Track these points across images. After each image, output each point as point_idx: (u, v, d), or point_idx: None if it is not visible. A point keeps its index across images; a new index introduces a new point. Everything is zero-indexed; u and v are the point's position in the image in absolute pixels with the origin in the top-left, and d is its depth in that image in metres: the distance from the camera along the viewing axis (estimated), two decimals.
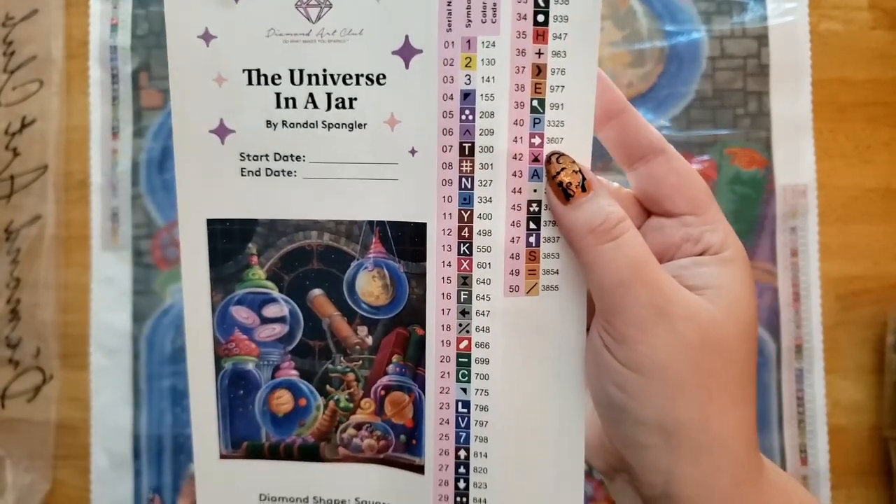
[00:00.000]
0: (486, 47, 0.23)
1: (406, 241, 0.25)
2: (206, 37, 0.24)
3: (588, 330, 0.25)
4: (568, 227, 0.23)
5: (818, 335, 0.45)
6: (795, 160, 0.46)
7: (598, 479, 0.45)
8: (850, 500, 0.45)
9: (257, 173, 0.25)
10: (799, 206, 0.46)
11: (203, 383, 0.26)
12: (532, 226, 0.24)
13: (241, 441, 0.27)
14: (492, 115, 0.24)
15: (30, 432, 0.46)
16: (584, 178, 0.23)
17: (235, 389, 0.26)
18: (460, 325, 0.25)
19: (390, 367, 0.26)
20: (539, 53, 0.23)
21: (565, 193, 0.23)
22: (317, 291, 0.26)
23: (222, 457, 0.27)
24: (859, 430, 0.45)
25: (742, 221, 0.46)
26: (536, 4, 0.23)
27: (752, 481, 0.23)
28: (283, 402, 0.27)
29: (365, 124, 0.24)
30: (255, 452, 0.27)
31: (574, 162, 0.23)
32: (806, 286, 0.45)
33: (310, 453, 0.27)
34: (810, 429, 0.45)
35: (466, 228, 0.24)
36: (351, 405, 0.26)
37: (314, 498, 0.27)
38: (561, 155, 0.23)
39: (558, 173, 0.23)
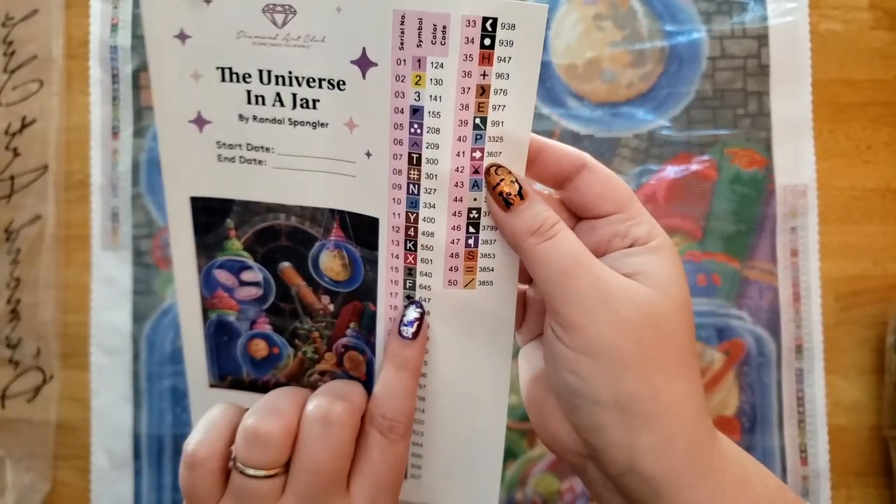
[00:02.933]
0: (435, 67, 0.25)
1: (362, 230, 0.28)
2: (182, 36, 0.26)
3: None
4: (510, 231, 0.26)
5: (818, 335, 0.45)
6: (795, 160, 0.46)
7: None
8: (850, 499, 0.45)
9: (232, 160, 0.28)
10: (799, 206, 0.46)
11: (193, 328, 0.30)
12: (471, 230, 0.27)
13: (226, 375, 0.31)
14: (437, 131, 0.26)
15: (30, 432, 0.46)
16: (520, 188, 0.26)
17: (220, 335, 0.30)
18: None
19: (348, 331, 0.30)
20: (484, 75, 0.25)
21: (505, 202, 0.25)
22: (286, 264, 0.29)
23: (211, 386, 0.31)
24: (859, 430, 0.46)
25: (742, 221, 0.46)
26: (484, 29, 0.24)
27: (707, 445, 0.24)
28: (260, 348, 0.31)
29: (327, 124, 0.27)
30: (238, 385, 0.31)
31: (511, 173, 0.26)
32: (806, 286, 0.45)
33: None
34: (810, 428, 0.45)
35: (412, 228, 0.27)
36: (316, 356, 0.30)
37: None
38: (499, 167, 0.26)
39: (498, 184, 0.26)
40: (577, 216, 0.28)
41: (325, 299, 0.29)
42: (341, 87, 0.26)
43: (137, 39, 0.47)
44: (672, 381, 0.24)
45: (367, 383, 0.29)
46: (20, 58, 0.47)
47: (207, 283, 0.30)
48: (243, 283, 0.30)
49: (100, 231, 0.46)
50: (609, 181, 0.27)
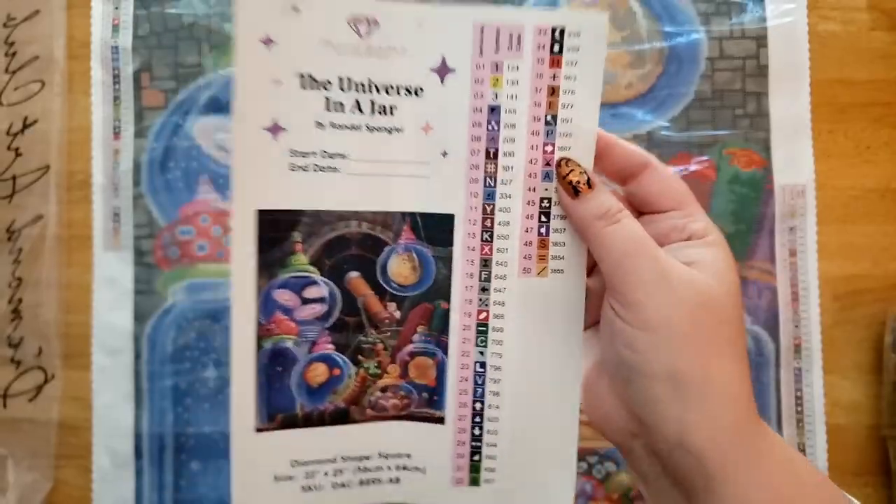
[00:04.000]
0: (511, 70, 0.28)
1: (434, 228, 0.29)
2: (267, 42, 0.27)
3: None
4: (579, 216, 0.28)
5: (817, 335, 0.45)
6: (794, 160, 0.46)
7: (597, 477, 0.46)
8: None
9: (305, 168, 0.28)
10: (798, 207, 0.46)
11: (243, 363, 0.29)
12: (543, 218, 0.29)
13: (276, 413, 0.29)
14: (513, 126, 0.28)
15: (32, 431, 0.46)
16: (588, 178, 0.28)
17: (273, 366, 0.29)
18: (480, 300, 0.30)
19: (415, 337, 0.30)
20: (554, 77, 0.28)
21: (574, 190, 0.28)
22: (354, 274, 0.29)
23: (258, 430, 0.29)
24: (858, 429, 0.46)
25: (741, 221, 0.46)
26: (553, 36, 0.28)
27: (754, 427, 0.26)
28: (318, 373, 0.30)
29: (403, 129, 0.28)
30: (289, 422, 0.29)
31: (579, 165, 0.28)
32: (805, 286, 0.45)
33: (340, 417, 0.30)
34: (809, 428, 0.45)
35: (489, 219, 0.29)
36: (379, 371, 0.30)
37: (341, 457, 0.30)
38: (569, 160, 0.28)
39: (568, 174, 0.28)
40: (638, 211, 0.30)
41: (392, 306, 0.30)
42: (419, 93, 0.28)
43: (139, 40, 0.47)
44: (724, 362, 0.26)
45: (438, 388, 0.30)
46: (22, 58, 0.47)
47: (265, 308, 0.29)
48: (306, 301, 0.29)
49: (101, 231, 0.46)
50: (670, 179, 0.29)
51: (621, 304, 0.26)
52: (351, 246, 0.29)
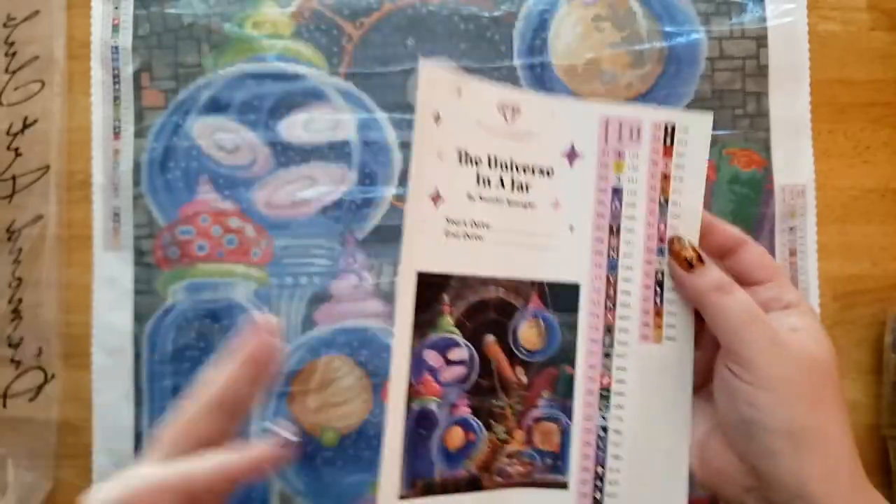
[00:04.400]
0: (632, 157, 0.32)
1: (560, 297, 0.32)
2: (437, 118, 0.30)
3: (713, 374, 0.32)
4: (694, 288, 0.31)
5: None
6: (794, 160, 0.46)
7: None
8: None
9: (457, 236, 0.31)
10: (798, 207, 0.46)
11: (396, 425, 0.30)
12: (658, 289, 0.32)
13: (417, 479, 0.31)
14: (633, 205, 0.32)
15: (31, 431, 0.46)
16: (699, 254, 0.31)
17: (418, 429, 0.31)
18: (604, 365, 0.32)
19: (540, 401, 0.32)
20: (666, 165, 0.32)
21: (689, 264, 0.31)
22: (490, 338, 0.32)
23: (401, 497, 0.30)
24: (858, 430, 0.45)
25: (741, 221, 0.46)
26: (666, 131, 0.32)
27: (863, 480, 0.29)
28: (456, 437, 0.31)
29: (536, 205, 0.32)
30: (428, 489, 0.31)
31: (690, 242, 0.32)
32: (805, 286, 0.46)
33: (473, 484, 0.32)
34: None
35: (612, 289, 0.32)
36: (507, 436, 0.32)
37: None
38: (680, 238, 0.32)
39: (681, 251, 0.32)
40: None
41: (519, 371, 0.32)
42: (549, 174, 0.32)
43: (139, 40, 0.47)
44: (835, 418, 0.29)
45: (561, 453, 0.32)
46: (22, 58, 0.47)
47: (417, 367, 0.31)
48: (450, 363, 0.31)
49: (101, 231, 0.46)
50: (765, 255, 0.33)
51: (741, 366, 0.29)
52: (489, 310, 0.32)
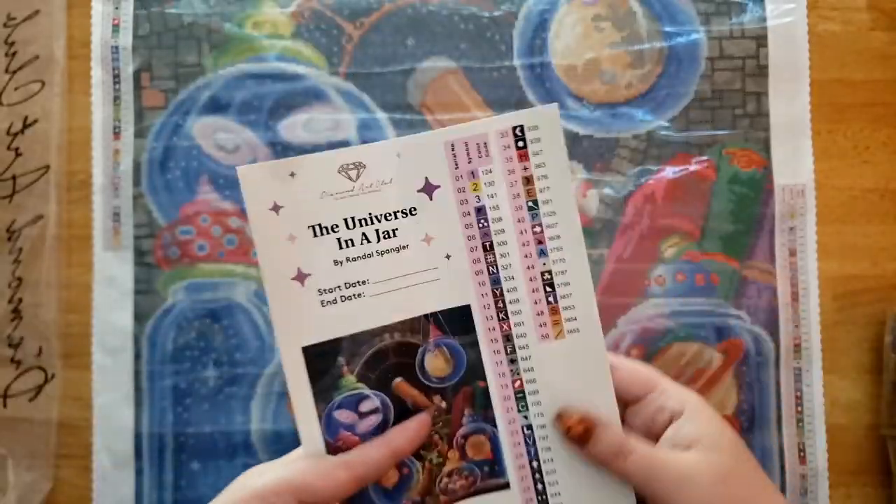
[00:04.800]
0: (486, 174, 0.33)
1: (455, 321, 0.33)
2: (276, 208, 0.31)
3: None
4: (594, 459, 0.32)
5: (816, 334, 0.45)
6: (794, 160, 0.46)
7: None
8: (848, 498, 0.45)
9: (333, 302, 0.32)
10: (797, 206, 0.46)
11: None
12: (548, 289, 0.33)
13: None
14: (500, 219, 0.33)
15: (31, 431, 0.46)
16: (587, 426, 0.32)
17: None
18: (512, 371, 0.33)
19: (464, 419, 0.34)
20: (525, 168, 0.33)
21: (579, 440, 0.32)
22: (398, 379, 0.33)
23: None
24: (857, 429, 0.46)
25: (741, 221, 0.46)
26: (515, 135, 0.32)
27: None
28: (390, 476, 0.33)
29: (407, 245, 0.32)
30: None
31: (578, 413, 0.32)
32: (804, 286, 0.46)
33: None
34: (809, 427, 0.45)
35: (500, 300, 0.33)
36: (441, 459, 0.33)
37: None
38: (561, 413, 0.33)
39: (569, 429, 0.32)
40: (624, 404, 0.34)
41: (437, 398, 0.33)
42: (413, 213, 0.32)
43: (139, 40, 0.47)
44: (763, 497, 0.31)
45: (496, 458, 0.34)
46: (22, 58, 0.47)
47: (329, 428, 0.32)
48: (363, 415, 0.32)
49: (101, 231, 0.46)
50: (632, 371, 0.34)
51: None
52: (389, 356, 0.33)
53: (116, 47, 0.47)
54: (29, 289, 0.47)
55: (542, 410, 0.33)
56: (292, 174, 0.31)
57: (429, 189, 0.32)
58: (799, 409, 0.45)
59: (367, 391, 0.32)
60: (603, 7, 0.46)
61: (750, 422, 0.45)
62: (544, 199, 0.33)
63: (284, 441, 0.45)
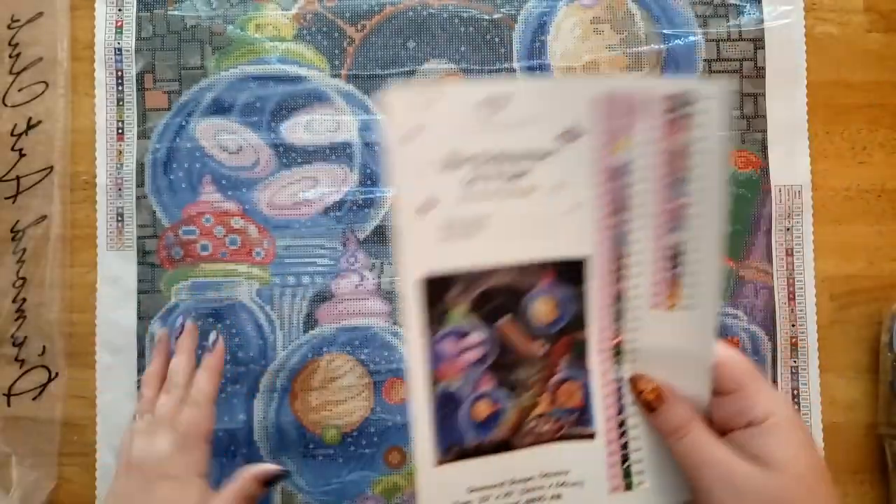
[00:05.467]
0: (635, 134, 0.31)
1: (569, 271, 0.33)
2: (413, 135, 0.30)
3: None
4: (657, 429, 0.32)
5: (813, 333, 0.46)
6: (791, 161, 0.46)
7: None
8: (845, 496, 0.46)
9: (455, 236, 0.31)
10: (794, 207, 0.46)
11: (421, 408, 0.32)
12: (673, 261, 0.32)
13: (451, 447, 0.33)
14: (640, 183, 0.31)
15: (35, 430, 0.47)
16: (659, 393, 0.32)
17: (444, 407, 0.33)
18: (614, 328, 0.33)
19: (560, 366, 0.33)
20: (678, 140, 0.31)
21: (650, 407, 0.32)
22: (504, 319, 0.32)
23: (438, 463, 0.33)
24: (854, 428, 0.46)
25: (738, 221, 0.46)
26: (676, 102, 0.31)
27: None
28: (482, 410, 0.33)
29: (537, 189, 0.31)
30: (462, 454, 0.33)
31: (651, 382, 0.32)
32: (801, 285, 0.46)
33: (504, 446, 0.33)
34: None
35: (620, 261, 0.32)
36: (533, 401, 0.33)
37: (509, 481, 0.33)
38: (641, 376, 0.32)
39: (641, 392, 0.32)
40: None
41: (538, 343, 0.33)
42: (548, 156, 0.31)
43: (142, 41, 0.47)
44: None
45: (585, 408, 0.34)
46: (26, 60, 0.47)
47: (434, 357, 0.32)
48: (467, 348, 0.32)
49: (105, 231, 0.47)
50: (731, 361, 0.32)
51: None
52: (499, 295, 0.32)
53: (120, 49, 0.47)
54: (33, 288, 0.47)
55: (636, 368, 0.33)
56: (433, 103, 0.30)
57: (570, 136, 0.31)
58: (796, 407, 0.46)
59: (474, 324, 0.32)
60: (601, 10, 0.47)
61: None
62: (692, 177, 0.31)
63: (286, 438, 0.46)
